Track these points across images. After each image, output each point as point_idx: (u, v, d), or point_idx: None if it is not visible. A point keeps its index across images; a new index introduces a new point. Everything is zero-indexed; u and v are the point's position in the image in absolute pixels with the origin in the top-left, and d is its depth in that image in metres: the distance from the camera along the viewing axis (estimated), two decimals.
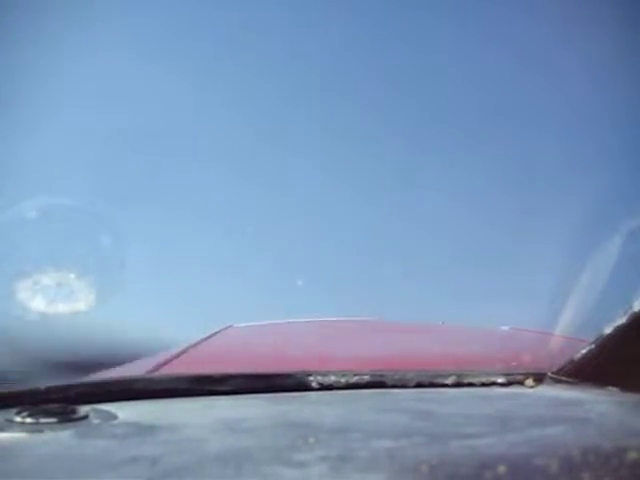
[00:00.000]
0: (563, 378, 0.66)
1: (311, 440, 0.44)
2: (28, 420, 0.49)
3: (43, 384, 0.57)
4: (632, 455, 0.40)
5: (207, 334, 1.40)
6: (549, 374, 0.68)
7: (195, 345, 1.24)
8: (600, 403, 0.58)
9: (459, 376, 0.68)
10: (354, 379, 0.67)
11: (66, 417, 0.50)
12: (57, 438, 0.46)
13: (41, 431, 0.47)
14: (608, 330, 0.61)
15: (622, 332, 0.60)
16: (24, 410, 0.50)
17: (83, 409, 0.52)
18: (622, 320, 0.60)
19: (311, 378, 0.66)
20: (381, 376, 0.67)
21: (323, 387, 0.66)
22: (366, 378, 0.67)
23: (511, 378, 0.68)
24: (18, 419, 0.49)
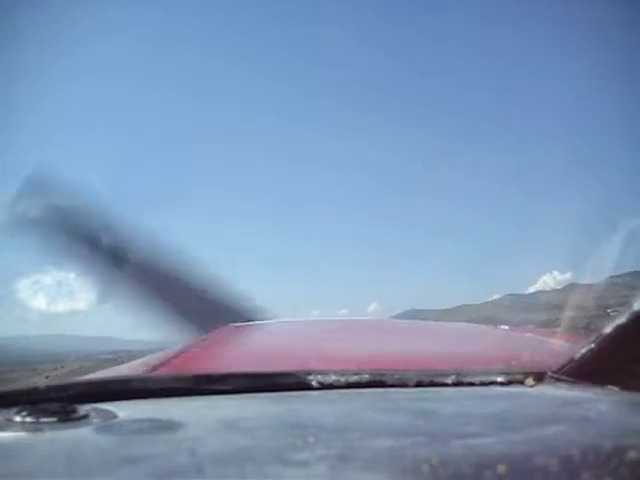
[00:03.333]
0: (563, 377, 0.66)
1: (311, 439, 0.44)
2: (28, 419, 0.49)
3: (43, 383, 0.57)
4: (632, 454, 0.39)
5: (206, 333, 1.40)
6: (549, 373, 0.68)
7: (194, 344, 1.24)
8: (600, 402, 0.57)
9: (459, 375, 0.67)
10: (354, 378, 0.66)
11: (66, 416, 0.50)
12: (57, 437, 0.46)
13: (41, 430, 0.47)
14: (608, 329, 0.61)
15: (622, 331, 0.60)
16: (24, 409, 0.50)
17: (83, 408, 0.52)
18: (622, 319, 0.60)
19: (311, 377, 0.66)
20: (381, 375, 0.67)
21: (323, 386, 0.65)
22: (366, 377, 0.67)
23: (511, 377, 0.68)
24: (18, 418, 0.49)
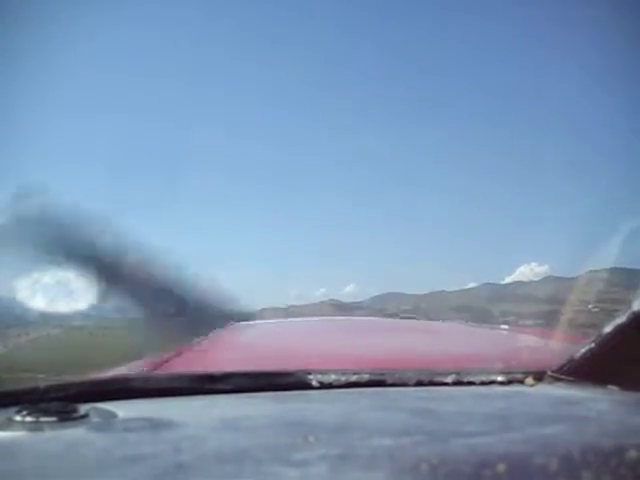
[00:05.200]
0: (563, 377, 0.66)
1: (311, 439, 0.44)
2: (28, 419, 0.49)
3: (43, 382, 0.57)
4: (631, 453, 0.40)
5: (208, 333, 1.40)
6: (549, 373, 0.68)
7: (196, 343, 1.24)
8: (600, 402, 0.58)
9: (459, 374, 0.68)
10: (354, 378, 0.66)
11: (66, 416, 0.50)
12: (57, 437, 0.46)
13: (41, 430, 0.47)
14: (608, 329, 0.61)
15: (622, 331, 0.60)
16: (24, 409, 0.50)
17: (83, 408, 0.52)
18: (622, 319, 0.60)
19: (311, 376, 0.66)
20: (381, 375, 0.67)
21: (323, 385, 0.65)
22: (366, 377, 0.67)
23: (511, 377, 0.68)
24: (18, 418, 0.49)
